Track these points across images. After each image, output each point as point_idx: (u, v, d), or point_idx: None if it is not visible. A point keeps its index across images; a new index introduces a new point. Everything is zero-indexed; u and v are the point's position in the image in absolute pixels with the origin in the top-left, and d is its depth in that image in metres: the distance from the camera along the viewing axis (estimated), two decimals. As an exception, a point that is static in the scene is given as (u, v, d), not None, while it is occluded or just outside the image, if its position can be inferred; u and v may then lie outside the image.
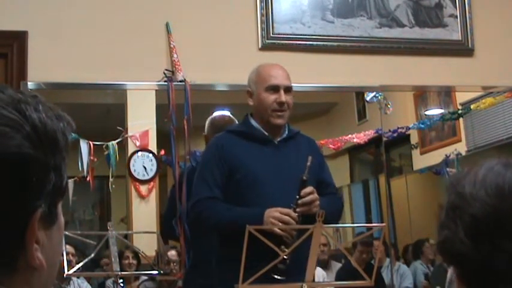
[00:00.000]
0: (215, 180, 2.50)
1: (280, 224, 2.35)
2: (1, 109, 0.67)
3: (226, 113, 3.34)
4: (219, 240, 2.59)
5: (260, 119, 2.61)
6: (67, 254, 3.19)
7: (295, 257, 2.31)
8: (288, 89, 2.60)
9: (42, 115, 0.70)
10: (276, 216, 2.37)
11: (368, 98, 3.98)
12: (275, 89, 2.57)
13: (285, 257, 2.30)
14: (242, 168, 2.51)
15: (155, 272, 3.40)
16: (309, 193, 2.42)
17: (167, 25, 3.50)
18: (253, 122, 2.63)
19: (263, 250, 2.20)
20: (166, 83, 3.43)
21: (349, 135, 4.22)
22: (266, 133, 2.59)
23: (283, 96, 2.56)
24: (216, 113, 3.36)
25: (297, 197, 2.40)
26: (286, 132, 2.63)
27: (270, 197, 2.43)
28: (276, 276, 2.31)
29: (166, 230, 3.38)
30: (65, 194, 0.74)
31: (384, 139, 3.98)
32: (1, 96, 0.69)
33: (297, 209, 2.39)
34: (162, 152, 3.86)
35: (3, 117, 0.67)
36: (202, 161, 2.68)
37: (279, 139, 2.60)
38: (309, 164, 2.41)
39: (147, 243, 3.59)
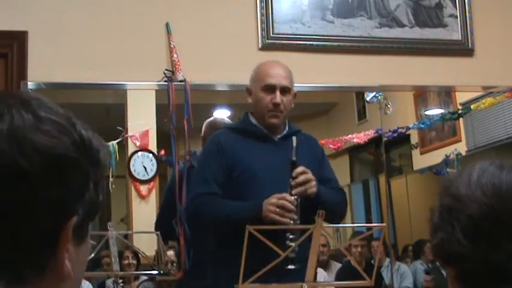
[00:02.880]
0: (214, 176, 2.48)
1: (277, 210, 2.33)
2: (53, 116, 0.71)
3: (226, 117, 3.36)
4: (215, 241, 2.58)
5: (258, 117, 2.60)
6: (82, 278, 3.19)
7: (299, 247, 2.28)
8: (284, 89, 2.57)
9: (90, 134, 0.74)
10: (273, 203, 2.34)
11: (368, 98, 3.98)
12: (271, 89, 2.55)
13: (291, 244, 2.28)
14: (240, 165, 2.49)
15: (155, 272, 3.40)
16: (301, 172, 2.40)
17: (167, 25, 3.50)
18: (252, 120, 2.62)
19: (261, 250, 2.16)
20: (166, 83, 3.43)
21: (349, 135, 4.22)
22: (265, 130, 2.58)
23: (279, 97, 2.53)
24: (215, 116, 3.38)
25: (290, 180, 2.38)
26: (287, 129, 2.62)
27: (267, 194, 2.41)
28: (289, 267, 2.28)
29: (163, 230, 3.37)
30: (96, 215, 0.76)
31: (384, 139, 3.98)
32: (54, 108, 0.73)
33: (293, 191, 2.37)
34: (162, 152, 3.86)
35: (56, 123, 0.70)
36: (201, 157, 2.66)
37: (278, 136, 2.59)
38: (294, 144, 2.39)
39: (146, 243, 3.59)
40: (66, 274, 0.70)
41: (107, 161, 0.76)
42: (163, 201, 3.52)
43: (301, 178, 2.40)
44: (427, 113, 4.30)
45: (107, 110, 4.15)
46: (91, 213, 0.74)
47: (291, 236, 2.32)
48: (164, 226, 3.27)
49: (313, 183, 2.42)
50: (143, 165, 3.80)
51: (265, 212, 2.34)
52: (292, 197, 2.37)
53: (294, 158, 2.40)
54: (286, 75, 2.61)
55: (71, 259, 0.70)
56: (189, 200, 2.55)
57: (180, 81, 3.41)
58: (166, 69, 3.45)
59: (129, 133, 3.78)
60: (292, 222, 2.34)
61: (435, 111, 4.30)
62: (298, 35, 3.65)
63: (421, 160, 4.44)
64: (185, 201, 2.60)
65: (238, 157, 2.50)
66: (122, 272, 3.31)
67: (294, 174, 2.39)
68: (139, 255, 3.50)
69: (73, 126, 0.72)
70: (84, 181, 0.71)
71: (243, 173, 2.48)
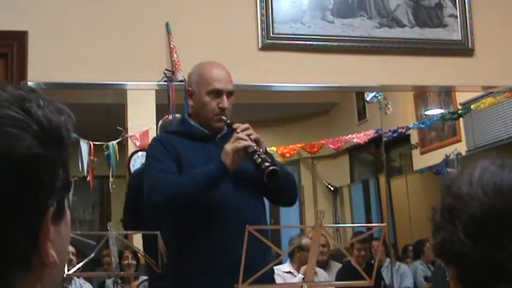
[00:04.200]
0: (170, 168, 2.44)
1: (234, 143, 2.36)
2: (7, 109, 0.67)
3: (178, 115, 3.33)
4: (172, 230, 2.53)
5: (199, 120, 2.58)
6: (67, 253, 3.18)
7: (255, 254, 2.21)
8: (230, 93, 2.55)
9: (46, 111, 0.70)
10: (228, 144, 2.37)
11: (368, 98, 3.99)
12: (217, 93, 2.53)
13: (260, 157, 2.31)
14: (186, 164, 2.47)
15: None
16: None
17: (167, 25, 3.50)
18: (191, 122, 2.59)
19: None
20: (166, 83, 3.43)
21: (349, 135, 4.23)
22: (206, 131, 2.57)
23: (226, 102, 2.52)
24: (166, 117, 3.36)
25: (235, 133, 2.43)
26: (226, 128, 2.59)
27: (216, 191, 2.40)
28: (271, 168, 2.29)
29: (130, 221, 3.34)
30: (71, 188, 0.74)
31: (384, 139, 3.98)
32: (4, 95, 0.68)
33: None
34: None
35: (11, 118, 0.66)
36: (151, 156, 2.57)
37: (219, 136, 2.58)
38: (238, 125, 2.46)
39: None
40: (51, 264, 0.69)
41: (69, 128, 0.72)
42: (128, 196, 3.41)
43: (244, 125, 2.44)
44: (427, 113, 4.30)
45: (107, 110, 4.15)
46: (65, 193, 0.72)
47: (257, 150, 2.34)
48: (133, 218, 3.24)
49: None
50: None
51: (227, 155, 2.36)
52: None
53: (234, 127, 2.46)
54: (230, 78, 2.59)
55: (54, 243, 0.70)
56: (149, 193, 2.42)
57: (180, 81, 3.41)
58: (166, 69, 3.45)
59: (129, 133, 3.78)
60: (254, 145, 2.36)
61: (435, 111, 4.31)
62: (298, 35, 3.65)
63: (421, 160, 4.44)
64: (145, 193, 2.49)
65: (182, 156, 2.48)
66: (122, 272, 3.31)
67: (235, 126, 2.44)
68: (139, 255, 3.50)
69: (30, 115, 0.67)
70: (54, 172, 0.69)
71: (189, 170, 2.45)
